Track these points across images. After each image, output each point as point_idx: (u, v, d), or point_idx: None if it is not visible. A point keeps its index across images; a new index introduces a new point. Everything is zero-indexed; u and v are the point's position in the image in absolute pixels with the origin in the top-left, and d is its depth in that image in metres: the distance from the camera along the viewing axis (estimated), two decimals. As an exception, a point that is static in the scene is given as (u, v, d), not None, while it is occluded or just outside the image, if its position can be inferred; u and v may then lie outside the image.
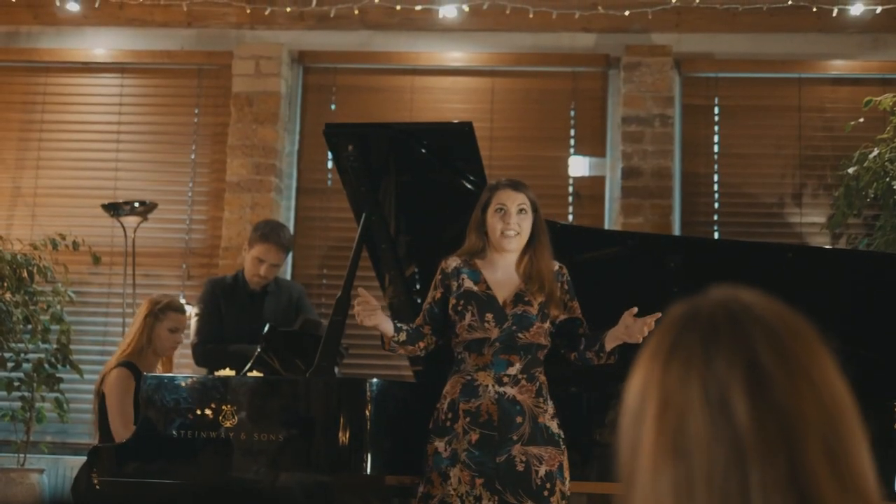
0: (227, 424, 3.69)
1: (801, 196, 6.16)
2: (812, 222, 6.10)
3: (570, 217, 6.20)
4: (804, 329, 0.95)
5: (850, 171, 5.63)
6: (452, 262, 3.64)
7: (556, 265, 3.65)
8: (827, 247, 5.91)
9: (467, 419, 3.45)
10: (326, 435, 3.66)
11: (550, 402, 3.55)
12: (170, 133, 6.48)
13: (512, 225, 3.54)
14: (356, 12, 6.25)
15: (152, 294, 4.86)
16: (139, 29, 6.46)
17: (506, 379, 3.48)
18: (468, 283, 3.58)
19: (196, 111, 6.49)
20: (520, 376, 3.49)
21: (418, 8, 6.22)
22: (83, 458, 4.37)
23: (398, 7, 6.23)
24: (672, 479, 0.88)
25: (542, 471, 3.41)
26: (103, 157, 6.45)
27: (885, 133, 5.62)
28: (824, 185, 6.13)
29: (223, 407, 3.71)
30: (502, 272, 3.62)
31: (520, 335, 3.52)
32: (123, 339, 4.74)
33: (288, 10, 6.29)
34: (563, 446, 3.51)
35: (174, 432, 3.73)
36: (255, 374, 4.04)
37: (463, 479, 3.40)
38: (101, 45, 6.51)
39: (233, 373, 3.99)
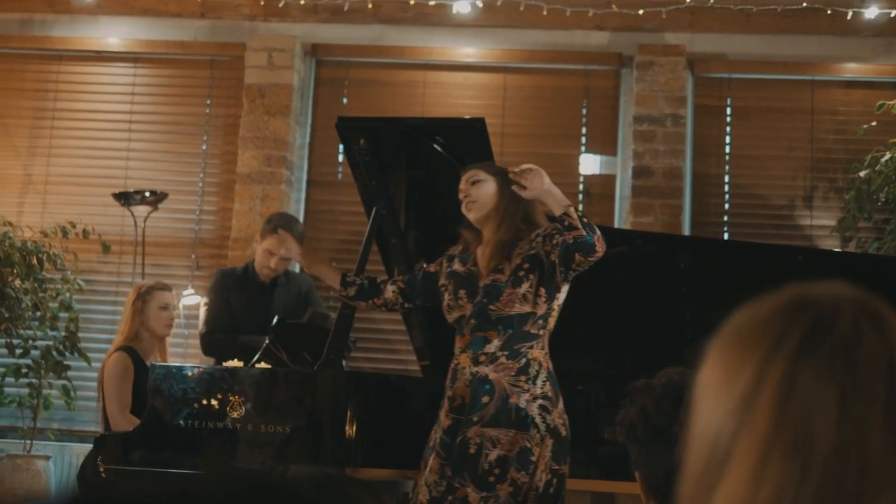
0: (234, 415, 3.70)
1: (812, 199, 6.14)
2: (822, 225, 6.09)
3: (580, 215, 6.19)
4: None
5: (862, 174, 5.61)
6: (455, 249, 3.64)
7: (542, 227, 3.44)
8: (837, 250, 5.89)
9: (448, 406, 3.40)
10: (333, 427, 3.67)
11: (540, 383, 3.32)
12: (181, 123, 6.49)
13: (462, 196, 3.50)
14: (370, 6, 6.24)
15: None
16: (153, 19, 6.47)
17: (482, 358, 3.35)
18: (456, 266, 3.55)
19: (208, 102, 6.50)
20: (499, 353, 3.33)
21: (432, 3, 6.21)
22: (89, 446, 4.38)
23: (412, 2, 6.22)
24: (782, 472, 0.85)
25: (494, 455, 3.21)
26: (115, 147, 6.46)
27: (898, 137, 5.61)
28: (835, 188, 6.11)
29: (230, 398, 3.73)
30: (484, 247, 3.54)
31: (491, 307, 3.37)
32: (118, 329, 4.77)
33: (302, 2, 6.29)
34: (541, 433, 3.25)
35: (181, 422, 3.74)
36: (262, 365, 4.05)
37: (433, 467, 3.30)
38: (114, 34, 6.52)
39: (241, 364, 4.00)
